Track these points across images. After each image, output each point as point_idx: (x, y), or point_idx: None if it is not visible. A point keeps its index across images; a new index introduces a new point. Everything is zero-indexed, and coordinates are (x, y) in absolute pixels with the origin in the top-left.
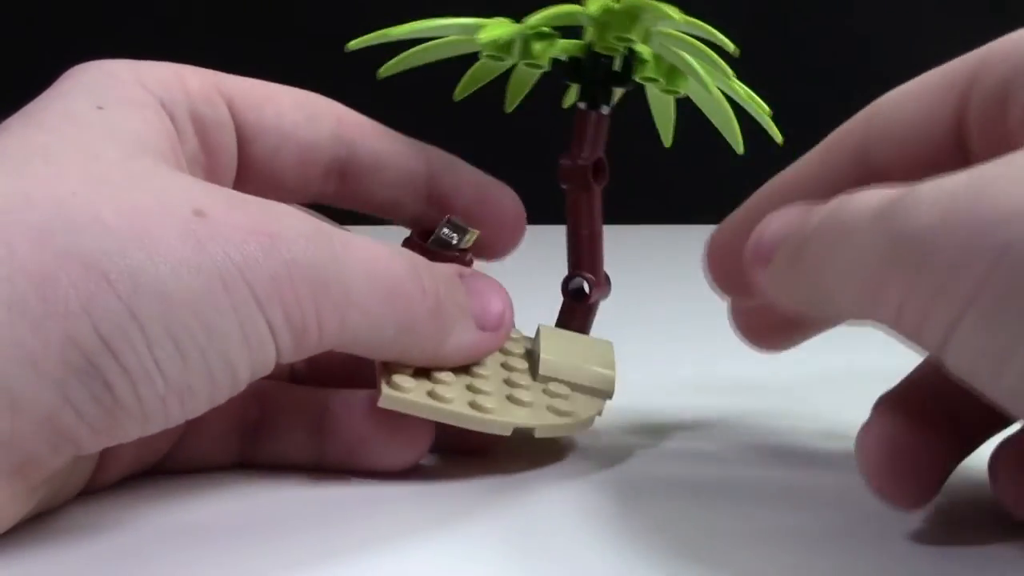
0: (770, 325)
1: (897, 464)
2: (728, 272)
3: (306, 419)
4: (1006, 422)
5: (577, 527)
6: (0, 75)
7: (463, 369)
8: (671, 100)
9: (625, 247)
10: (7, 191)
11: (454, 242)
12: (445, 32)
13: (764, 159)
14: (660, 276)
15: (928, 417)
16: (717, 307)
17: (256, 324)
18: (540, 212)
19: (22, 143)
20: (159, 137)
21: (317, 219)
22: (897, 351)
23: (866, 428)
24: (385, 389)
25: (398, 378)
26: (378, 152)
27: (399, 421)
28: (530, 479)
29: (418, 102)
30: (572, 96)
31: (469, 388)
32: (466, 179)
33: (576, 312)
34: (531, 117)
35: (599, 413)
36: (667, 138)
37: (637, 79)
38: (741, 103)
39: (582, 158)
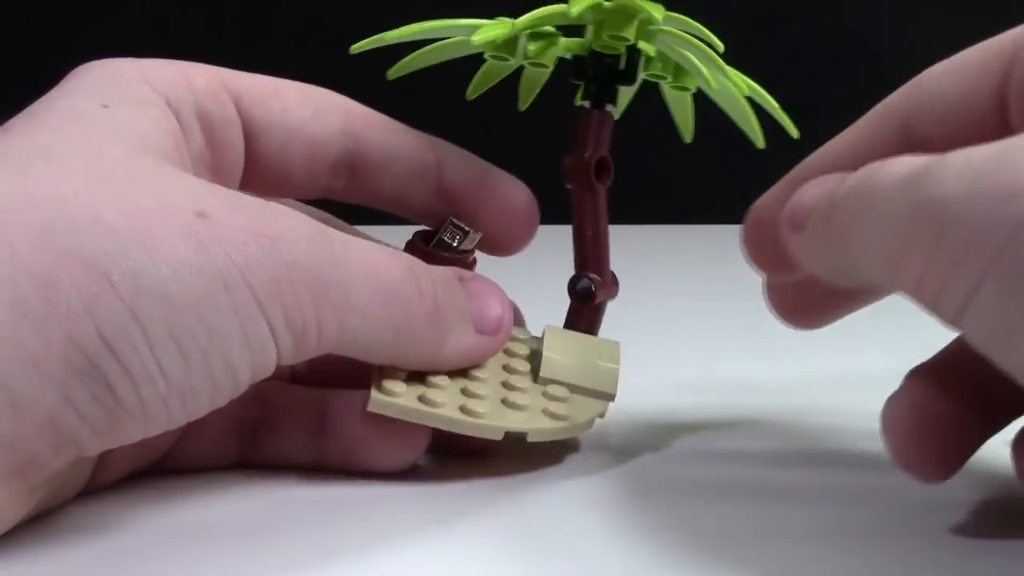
0: (804, 302)
1: (923, 433)
2: (764, 246)
3: (306, 419)
4: None
5: (577, 527)
6: (3, 74)
7: (461, 373)
8: (687, 96)
9: (626, 247)
10: (9, 191)
11: (456, 244)
12: (442, 34)
13: (765, 159)
14: (662, 276)
15: (957, 391)
16: (718, 307)
17: (257, 325)
18: (551, 211)
19: (25, 142)
20: (164, 136)
21: (318, 221)
22: (898, 352)
23: (894, 397)
24: (374, 394)
25: (389, 383)
26: (387, 146)
27: (394, 423)
28: (530, 479)
29: (426, 101)
30: (580, 95)
31: (463, 391)
32: (476, 172)
33: (583, 313)
34: (540, 115)
35: (601, 416)
36: (687, 134)
37: (644, 76)
38: (758, 100)
39: (585, 157)
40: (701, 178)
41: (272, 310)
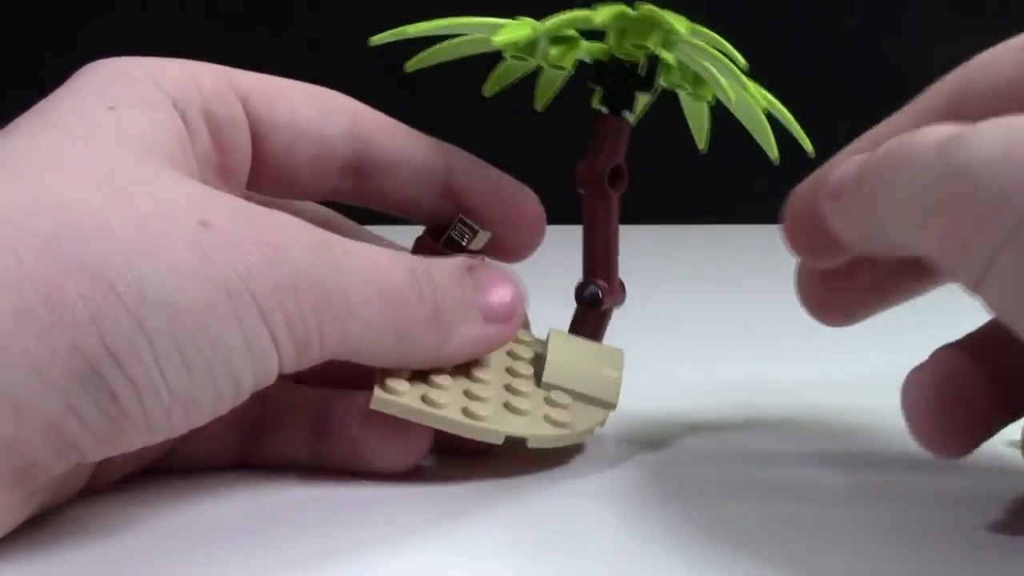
0: (835, 299)
1: (944, 402)
2: (804, 230)
3: (307, 419)
4: None
5: (578, 528)
6: (9, 71)
7: (464, 373)
8: (705, 106)
9: (626, 247)
10: (15, 197)
11: (465, 242)
12: (464, 31)
13: (764, 160)
14: (664, 276)
15: (982, 369)
16: (719, 307)
17: (259, 335)
18: (558, 212)
19: (30, 144)
20: (169, 140)
21: (322, 223)
22: (899, 353)
23: (919, 366)
24: (377, 392)
25: (392, 381)
26: (395, 149)
27: (396, 424)
28: (532, 481)
29: (435, 97)
30: (597, 99)
31: (466, 393)
32: (484, 179)
33: (589, 318)
34: (548, 114)
35: (601, 424)
36: (702, 143)
37: (663, 84)
38: (776, 115)
39: (599, 164)
40: (701, 178)
41: (274, 320)
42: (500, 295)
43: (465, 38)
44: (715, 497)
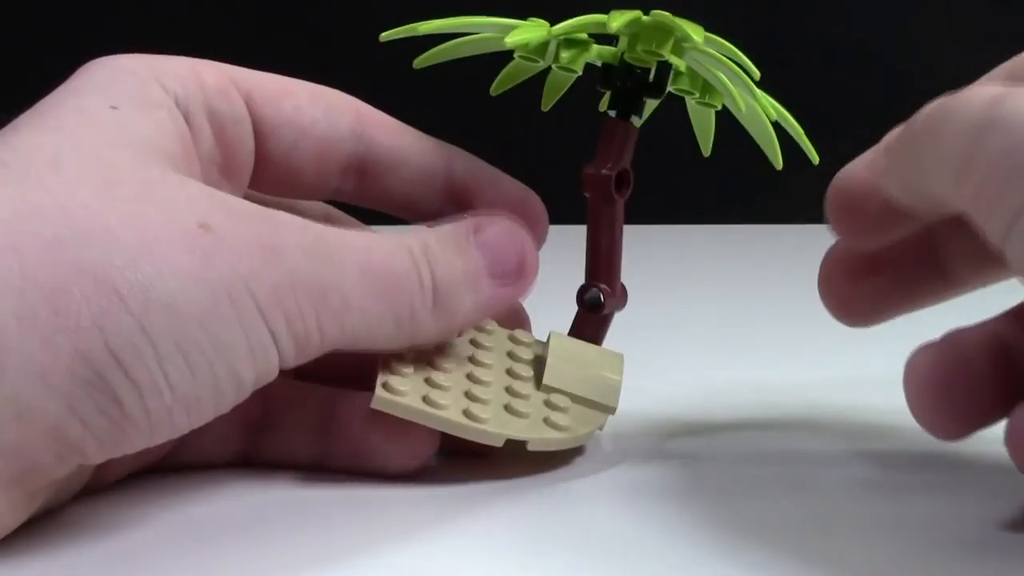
0: (858, 297)
1: (947, 384)
2: (846, 209)
3: (310, 418)
4: None
5: (580, 528)
6: (11, 69)
7: (466, 374)
8: (711, 113)
9: (627, 247)
10: (18, 200)
11: None
12: (475, 30)
13: (764, 160)
14: (664, 276)
15: (989, 354)
16: (720, 309)
17: (260, 334)
18: (560, 212)
19: (32, 145)
20: (171, 140)
21: (321, 219)
22: (902, 357)
23: (925, 344)
24: (378, 391)
25: (394, 380)
26: (398, 149)
27: (401, 427)
28: (533, 481)
29: (439, 97)
30: (606, 102)
31: (467, 394)
32: (487, 179)
33: (590, 322)
34: (552, 113)
35: (600, 428)
36: (706, 148)
37: (672, 90)
38: (782, 123)
39: (607, 168)
40: (701, 178)
41: (274, 318)
42: (508, 254)
43: (476, 37)
44: (718, 496)
